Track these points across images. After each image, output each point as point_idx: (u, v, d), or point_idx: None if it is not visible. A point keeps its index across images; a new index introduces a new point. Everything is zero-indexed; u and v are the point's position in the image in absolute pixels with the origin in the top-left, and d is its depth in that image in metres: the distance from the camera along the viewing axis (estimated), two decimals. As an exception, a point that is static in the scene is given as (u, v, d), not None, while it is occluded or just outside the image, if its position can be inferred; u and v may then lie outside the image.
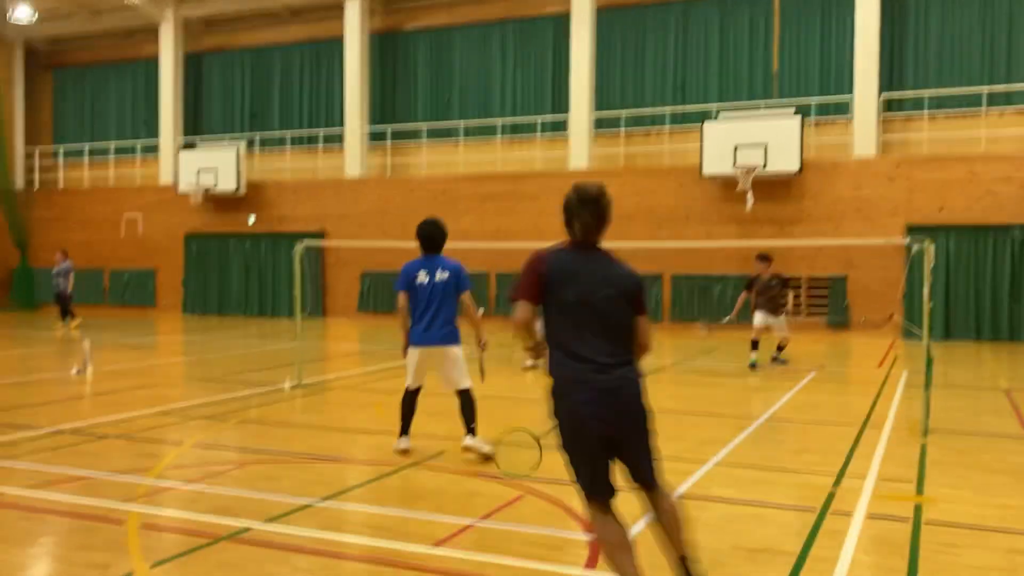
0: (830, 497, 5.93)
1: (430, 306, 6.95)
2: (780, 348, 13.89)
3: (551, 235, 21.00)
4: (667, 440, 7.86)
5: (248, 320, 23.71)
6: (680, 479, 6.36)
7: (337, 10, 24.27)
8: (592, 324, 3.89)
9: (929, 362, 8.39)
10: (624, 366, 3.90)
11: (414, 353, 7.07)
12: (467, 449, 7.00)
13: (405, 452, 7.16)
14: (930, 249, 8.37)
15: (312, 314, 22.42)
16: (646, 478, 4.01)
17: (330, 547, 4.87)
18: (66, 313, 18.86)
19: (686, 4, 21.54)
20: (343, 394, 10.92)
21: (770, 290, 13.39)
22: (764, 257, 13.51)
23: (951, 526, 5.32)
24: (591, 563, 4.62)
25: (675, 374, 13.23)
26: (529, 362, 12.58)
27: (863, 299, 18.86)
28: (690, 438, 7.99)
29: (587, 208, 3.99)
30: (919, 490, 6.19)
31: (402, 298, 7.05)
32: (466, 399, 7.09)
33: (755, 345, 13.36)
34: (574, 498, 5.87)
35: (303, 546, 4.88)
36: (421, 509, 5.62)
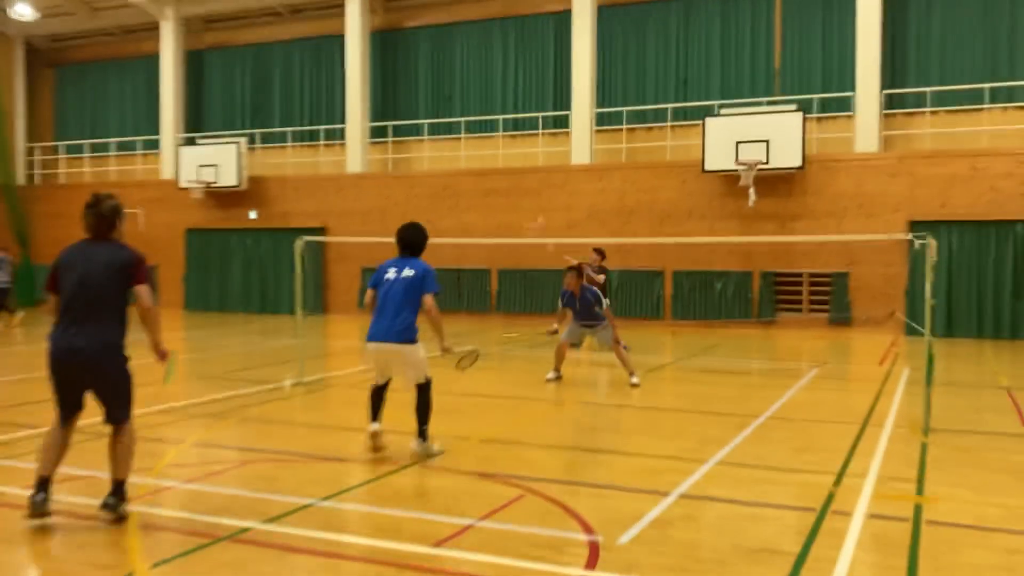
0: (830, 496, 5.92)
1: (387, 303, 6.86)
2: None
3: (552, 230, 20.93)
4: (667, 439, 7.91)
5: (249, 316, 23.73)
6: (680, 478, 6.37)
7: (338, 7, 24.25)
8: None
9: (931, 359, 8.37)
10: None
11: (368, 349, 6.98)
12: (413, 453, 6.98)
13: (376, 436, 7.02)
14: (932, 245, 8.34)
15: (313, 311, 22.44)
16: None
17: (330, 547, 4.87)
18: (2, 308, 19.47)
19: (687, 0, 21.48)
20: (344, 392, 10.91)
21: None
22: (598, 251, 14.99)
23: (951, 525, 5.31)
24: (591, 563, 4.62)
25: (675, 372, 13.22)
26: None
27: (865, 296, 18.84)
28: (690, 437, 7.99)
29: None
30: (920, 489, 6.18)
31: (369, 295, 7.05)
32: (421, 397, 7.03)
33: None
34: (575, 498, 5.89)
35: (303, 546, 4.88)
36: (421, 509, 5.62)
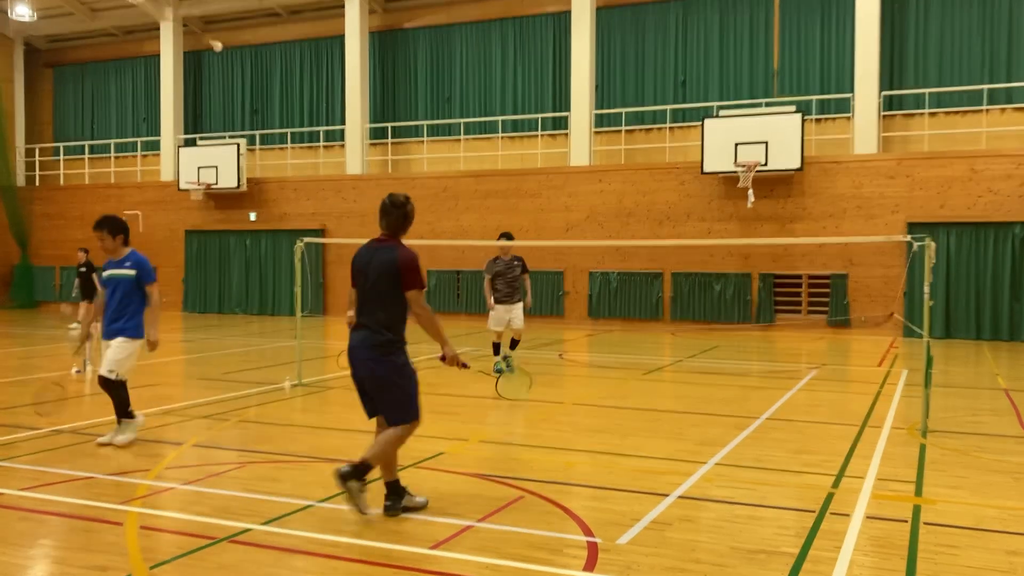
0: (829, 498, 5.93)
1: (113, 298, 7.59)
2: (514, 343, 12.17)
3: (551, 232, 20.99)
4: (666, 440, 7.91)
5: (248, 318, 23.72)
6: (679, 479, 6.37)
7: (337, 8, 24.27)
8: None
9: (929, 361, 8.38)
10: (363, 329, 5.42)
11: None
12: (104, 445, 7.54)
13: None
14: (931, 246, 8.35)
15: (312, 312, 22.44)
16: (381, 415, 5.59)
17: (329, 548, 4.87)
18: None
19: (686, 1, 21.51)
20: (343, 394, 10.90)
21: (510, 272, 11.70)
22: (507, 235, 11.82)
23: (950, 527, 5.32)
24: (590, 565, 4.62)
25: (674, 373, 13.23)
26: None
27: (864, 297, 18.86)
28: (689, 438, 7.99)
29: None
30: (918, 491, 6.18)
31: (159, 290, 7.86)
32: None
33: (497, 349, 11.97)
34: (574, 499, 5.89)
35: (302, 547, 4.88)
36: (419, 510, 5.61)
